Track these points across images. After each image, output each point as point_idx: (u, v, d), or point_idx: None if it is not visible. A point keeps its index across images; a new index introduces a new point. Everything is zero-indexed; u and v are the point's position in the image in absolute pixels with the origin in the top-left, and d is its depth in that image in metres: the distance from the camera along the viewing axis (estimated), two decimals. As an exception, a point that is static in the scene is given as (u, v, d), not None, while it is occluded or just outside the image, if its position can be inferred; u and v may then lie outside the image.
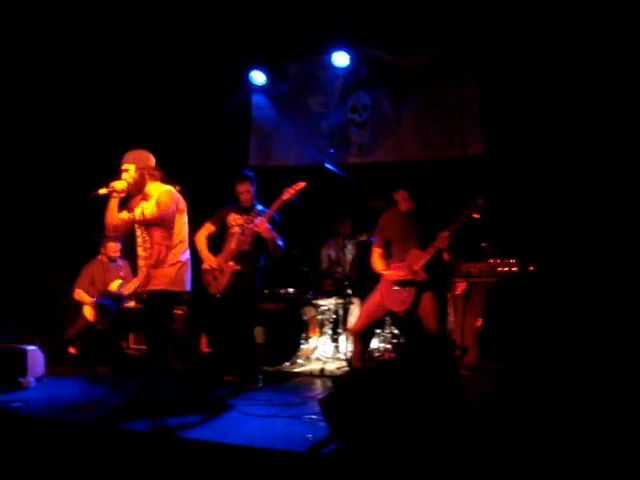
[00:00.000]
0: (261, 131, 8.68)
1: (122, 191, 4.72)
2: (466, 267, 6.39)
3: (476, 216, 5.14)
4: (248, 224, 5.69)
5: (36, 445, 4.26)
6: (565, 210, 6.51)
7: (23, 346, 5.91)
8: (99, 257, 7.24)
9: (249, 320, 5.91)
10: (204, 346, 6.41)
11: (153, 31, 7.68)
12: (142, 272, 4.97)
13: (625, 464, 3.36)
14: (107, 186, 4.65)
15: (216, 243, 5.93)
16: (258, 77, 8.42)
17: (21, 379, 5.68)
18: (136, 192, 4.88)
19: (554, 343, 5.68)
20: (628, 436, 3.77)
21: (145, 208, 4.85)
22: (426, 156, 7.62)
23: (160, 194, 4.88)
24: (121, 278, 7.14)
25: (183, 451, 4.00)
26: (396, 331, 6.39)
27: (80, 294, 7.03)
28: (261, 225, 5.55)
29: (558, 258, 6.22)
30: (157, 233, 4.91)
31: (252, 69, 8.36)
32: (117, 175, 4.79)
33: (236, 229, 5.78)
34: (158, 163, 4.96)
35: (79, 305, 7.05)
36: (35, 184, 8.00)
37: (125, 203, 4.89)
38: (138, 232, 4.96)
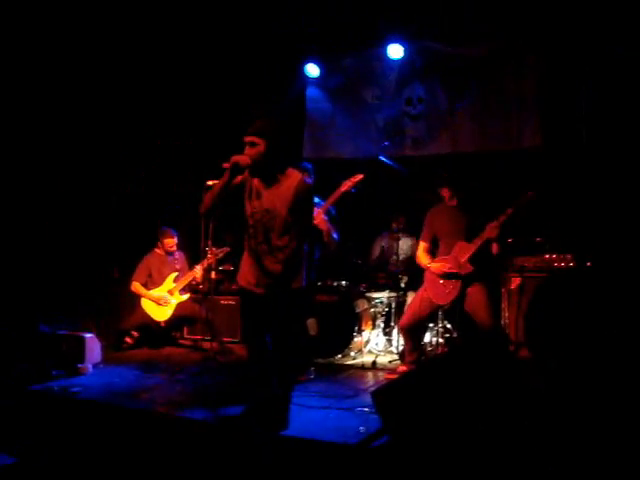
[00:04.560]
0: (315, 124, 8.69)
1: (244, 166, 4.07)
2: (521, 262, 6.31)
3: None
4: None
5: (93, 428, 4.36)
6: (624, 206, 6.35)
7: (81, 333, 6.06)
8: (156, 250, 7.35)
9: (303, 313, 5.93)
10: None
11: (208, 25, 7.73)
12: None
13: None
14: (229, 160, 4.06)
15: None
16: (313, 70, 8.42)
17: (79, 365, 5.82)
18: (258, 173, 4.23)
19: (610, 341, 5.56)
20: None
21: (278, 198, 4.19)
22: (482, 148, 7.53)
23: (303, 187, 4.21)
24: (177, 270, 7.24)
25: (236, 440, 4.04)
26: (449, 325, 6.33)
27: (137, 287, 7.15)
28: (317, 216, 5.50)
29: (616, 255, 6.08)
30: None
31: (307, 62, 8.36)
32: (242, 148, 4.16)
33: None
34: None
35: (137, 297, 7.19)
36: (92, 176, 8.14)
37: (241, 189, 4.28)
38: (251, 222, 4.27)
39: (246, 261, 4.36)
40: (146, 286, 7.18)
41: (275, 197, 4.19)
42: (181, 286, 7.15)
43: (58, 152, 7.66)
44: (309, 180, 4.33)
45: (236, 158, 4.05)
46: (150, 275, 7.24)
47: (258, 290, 4.27)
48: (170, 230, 7.32)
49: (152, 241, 7.40)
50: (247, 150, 4.11)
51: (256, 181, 4.26)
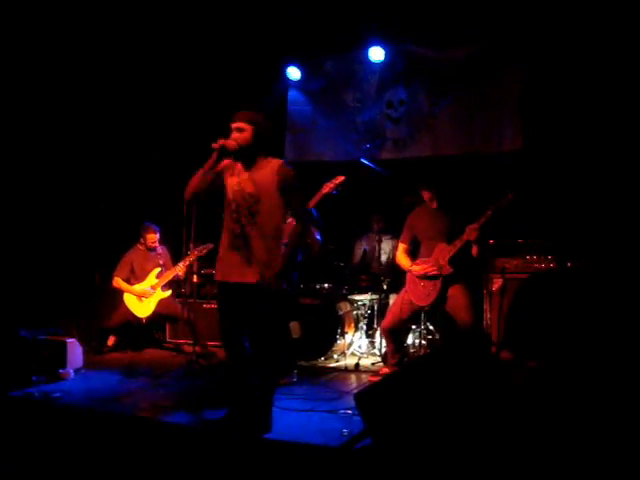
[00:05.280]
0: (297, 126, 8.68)
1: (231, 150, 4.13)
2: (502, 263, 6.34)
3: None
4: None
5: (75, 434, 4.33)
6: (605, 207, 6.41)
7: (62, 338, 6.01)
8: (138, 246, 7.32)
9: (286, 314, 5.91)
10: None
11: (188, 27, 7.70)
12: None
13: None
14: (217, 143, 4.08)
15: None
16: (294, 73, 8.42)
17: (61, 370, 5.77)
18: (241, 158, 4.27)
19: (592, 341, 5.60)
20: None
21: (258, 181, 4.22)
22: (463, 151, 7.56)
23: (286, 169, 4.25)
24: (160, 266, 7.18)
25: (220, 444, 4.03)
26: (431, 327, 6.36)
27: (119, 282, 7.11)
28: None
29: (597, 255, 6.13)
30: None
31: (288, 65, 8.36)
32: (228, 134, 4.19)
33: None
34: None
35: (119, 294, 7.14)
36: (73, 180, 8.08)
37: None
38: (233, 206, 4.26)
39: (225, 251, 4.30)
40: (128, 282, 7.13)
41: (258, 182, 4.20)
42: (164, 282, 7.08)
43: (37, 156, 7.60)
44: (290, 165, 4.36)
45: (224, 141, 4.09)
46: (132, 270, 7.19)
47: (238, 279, 4.19)
48: (152, 226, 7.27)
49: (134, 239, 7.36)
50: (234, 135, 4.15)
51: (239, 167, 4.28)
